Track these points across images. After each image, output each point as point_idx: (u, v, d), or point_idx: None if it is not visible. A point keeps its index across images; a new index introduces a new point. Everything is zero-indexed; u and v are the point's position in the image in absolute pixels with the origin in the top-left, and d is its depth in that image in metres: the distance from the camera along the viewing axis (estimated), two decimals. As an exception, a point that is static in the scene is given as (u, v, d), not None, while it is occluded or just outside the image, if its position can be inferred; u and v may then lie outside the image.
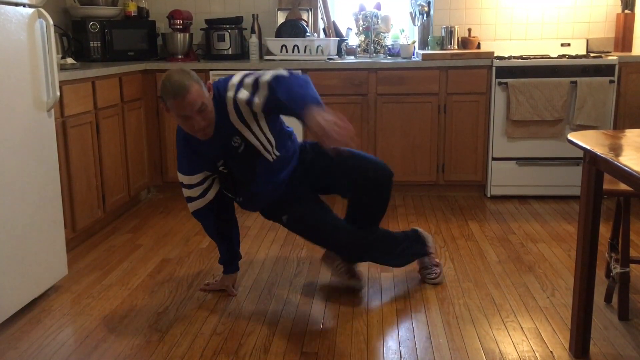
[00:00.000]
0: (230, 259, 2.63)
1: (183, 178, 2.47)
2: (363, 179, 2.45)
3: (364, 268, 2.84)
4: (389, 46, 4.34)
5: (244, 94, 2.28)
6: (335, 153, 2.20)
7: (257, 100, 2.26)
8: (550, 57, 3.93)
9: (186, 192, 2.50)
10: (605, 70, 3.81)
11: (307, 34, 4.19)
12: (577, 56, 3.90)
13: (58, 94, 2.61)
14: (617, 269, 2.31)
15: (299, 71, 2.57)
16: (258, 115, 2.31)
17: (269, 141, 2.37)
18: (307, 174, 2.54)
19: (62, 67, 3.29)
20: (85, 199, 3.23)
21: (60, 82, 2.87)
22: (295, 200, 2.49)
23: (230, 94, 2.30)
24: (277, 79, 2.26)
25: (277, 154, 2.42)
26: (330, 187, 2.57)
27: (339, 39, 4.33)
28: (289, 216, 2.49)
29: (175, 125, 4.07)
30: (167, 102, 2.18)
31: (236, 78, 2.34)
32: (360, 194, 2.50)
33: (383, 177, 2.48)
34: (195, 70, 3.92)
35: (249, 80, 2.30)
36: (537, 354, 2.08)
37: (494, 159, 3.98)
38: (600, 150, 1.79)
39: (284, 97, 2.20)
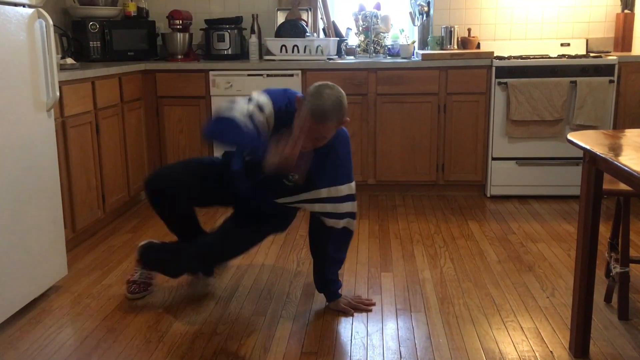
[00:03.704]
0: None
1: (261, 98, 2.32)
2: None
3: (364, 269, 2.84)
4: (389, 46, 4.33)
5: None
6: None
7: None
8: (550, 57, 3.93)
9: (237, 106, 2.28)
10: (605, 70, 3.81)
11: (307, 34, 4.19)
12: (576, 56, 3.91)
13: (58, 94, 2.61)
14: (616, 269, 2.31)
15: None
16: None
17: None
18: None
19: (62, 67, 3.28)
20: (85, 199, 3.23)
21: (60, 82, 2.87)
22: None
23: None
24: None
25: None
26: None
27: (338, 39, 4.33)
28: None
29: (173, 125, 4.09)
30: (307, 110, 2.15)
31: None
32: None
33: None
34: (195, 71, 3.99)
35: None
36: (537, 354, 2.08)
37: (493, 158, 3.98)
38: (600, 150, 1.79)
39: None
